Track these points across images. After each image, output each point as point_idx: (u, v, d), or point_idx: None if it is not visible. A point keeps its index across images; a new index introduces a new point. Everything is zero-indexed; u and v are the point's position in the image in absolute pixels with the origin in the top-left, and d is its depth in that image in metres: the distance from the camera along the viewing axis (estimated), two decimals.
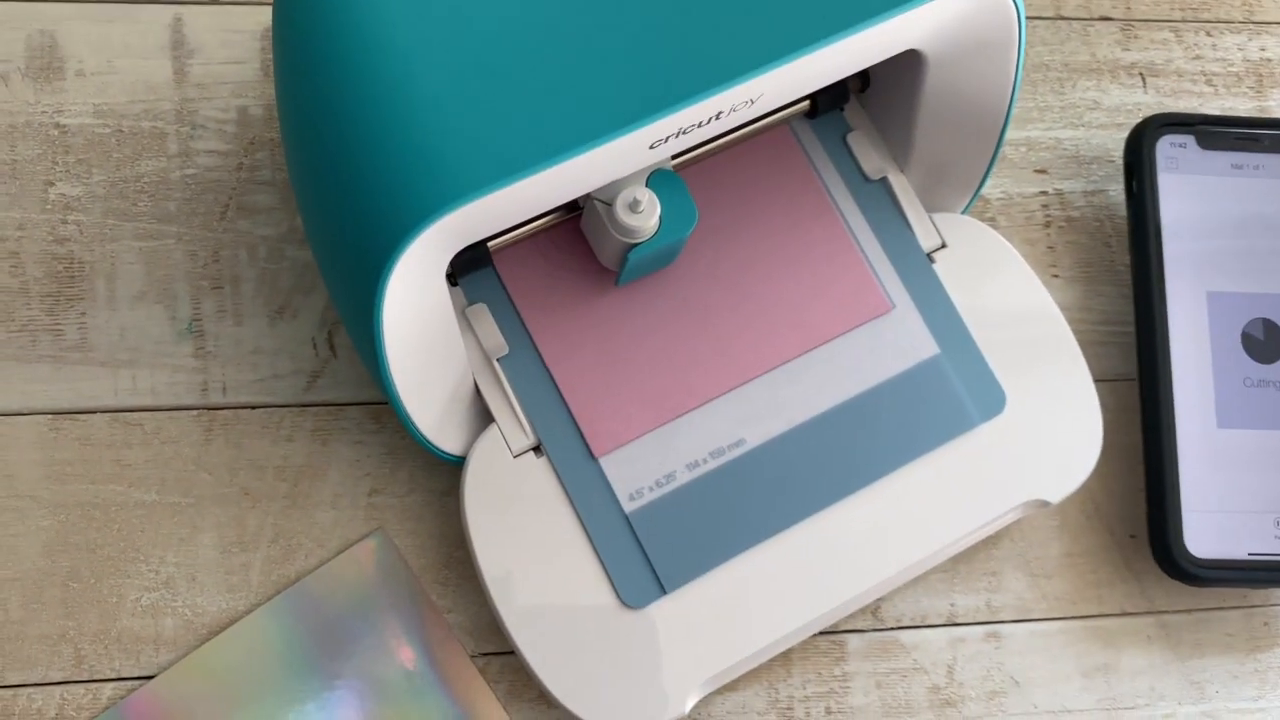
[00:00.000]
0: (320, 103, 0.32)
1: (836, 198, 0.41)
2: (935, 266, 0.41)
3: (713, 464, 0.39)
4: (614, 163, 0.33)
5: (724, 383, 0.39)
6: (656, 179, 0.37)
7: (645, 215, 0.37)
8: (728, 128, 0.35)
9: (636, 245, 0.37)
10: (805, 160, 0.42)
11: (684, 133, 0.34)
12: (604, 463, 0.38)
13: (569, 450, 0.38)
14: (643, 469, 0.38)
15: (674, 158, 0.40)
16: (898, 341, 0.40)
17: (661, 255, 0.39)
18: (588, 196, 0.38)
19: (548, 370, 0.39)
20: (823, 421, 0.39)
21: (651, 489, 0.38)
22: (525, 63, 0.32)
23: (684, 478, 0.38)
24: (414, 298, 0.33)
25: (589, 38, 0.32)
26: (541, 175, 0.31)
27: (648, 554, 0.38)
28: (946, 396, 0.40)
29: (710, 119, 0.34)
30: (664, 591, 0.37)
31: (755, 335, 0.40)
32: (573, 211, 0.40)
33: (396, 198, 0.31)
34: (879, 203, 0.42)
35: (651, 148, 0.34)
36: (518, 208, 0.33)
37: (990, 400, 0.40)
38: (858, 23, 0.33)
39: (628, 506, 0.38)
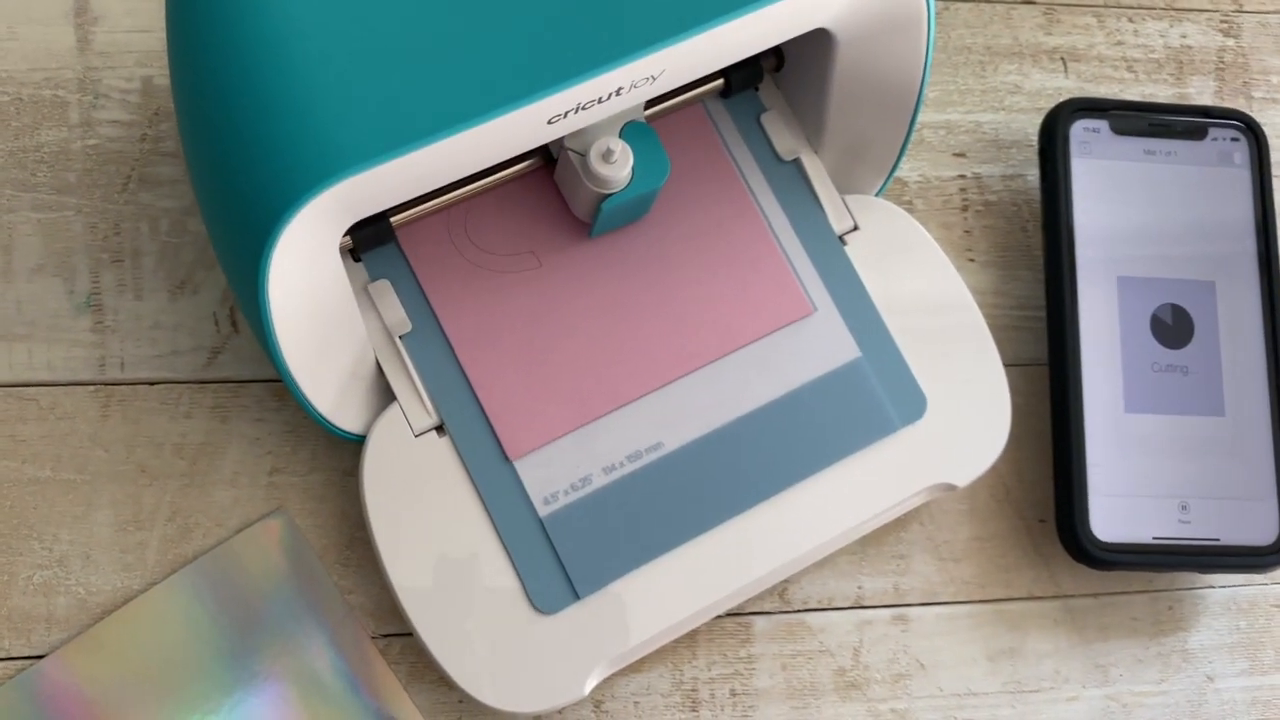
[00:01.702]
0: (206, 70, 0.32)
1: (749, 179, 0.41)
2: (846, 249, 0.41)
3: (629, 467, 0.38)
4: (509, 137, 0.33)
5: (643, 385, 0.39)
6: (630, 130, 0.37)
7: (618, 165, 0.37)
8: (631, 103, 0.35)
9: (610, 195, 0.37)
10: (719, 140, 0.41)
11: (583, 108, 0.33)
12: (519, 465, 0.38)
13: (482, 450, 0.38)
14: (558, 472, 0.38)
15: (645, 108, 0.39)
16: (819, 344, 0.40)
17: (634, 206, 0.38)
18: (561, 146, 0.38)
19: (452, 350, 0.38)
20: (742, 425, 0.39)
21: (567, 493, 0.38)
22: (416, 34, 0.31)
23: (600, 481, 0.38)
24: (303, 272, 0.33)
25: (485, 9, 0.32)
26: (432, 149, 0.31)
27: (561, 559, 0.37)
28: (867, 400, 0.39)
29: (610, 95, 0.33)
30: (577, 597, 0.37)
31: (676, 336, 0.39)
32: (488, 178, 0.39)
33: (279, 169, 0.30)
34: (792, 184, 0.41)
35: (550, 123, 0.33)
36: (410, 181, 0.32)
37: (911, 404, 0.40)
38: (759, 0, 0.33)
39: (542, 511, 0.37)
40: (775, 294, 0.40)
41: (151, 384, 0.40)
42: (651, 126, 0.38)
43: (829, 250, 0.41)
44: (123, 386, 0.40)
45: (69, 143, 0.41)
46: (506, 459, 0.38)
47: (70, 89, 0.42)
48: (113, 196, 0.41)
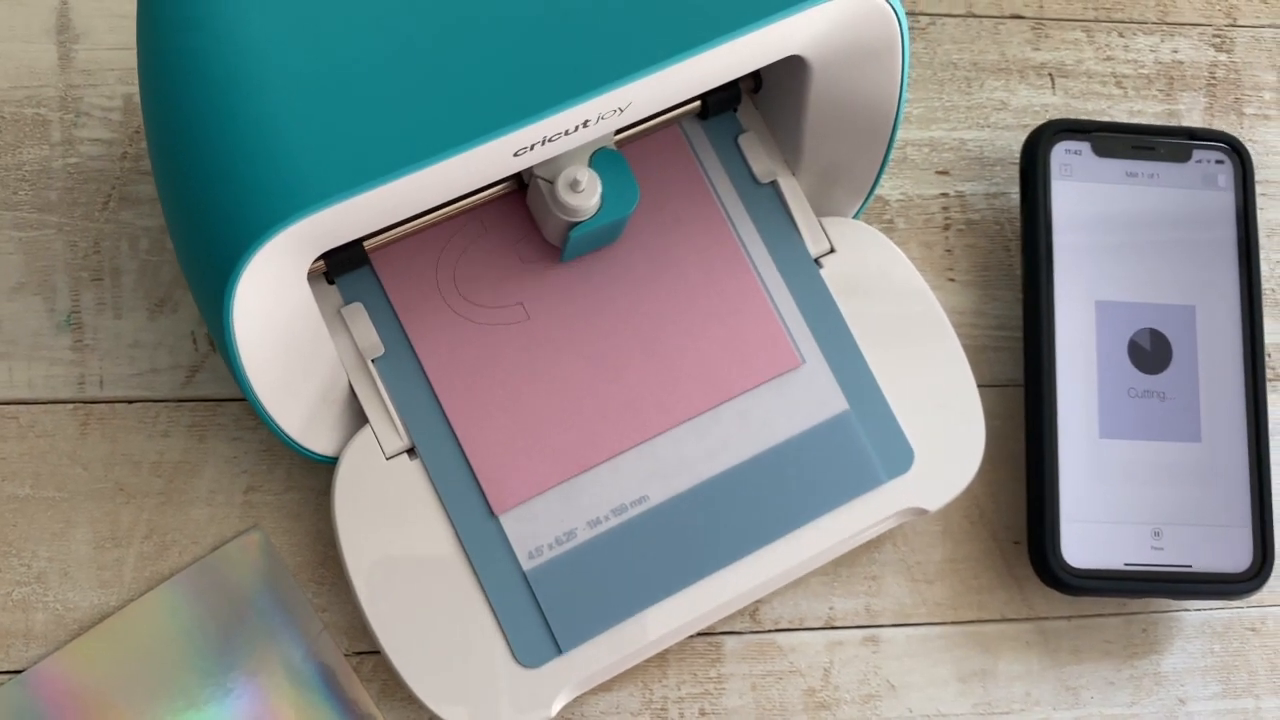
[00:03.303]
0: (171, 104, 0.32)
1: (726, 203, 0.41)
2: (822, 272, 0.41)
3: (615, 521, 0.38)
4: (475, 171, 0.33)
5: (629, 438, 0.39)
6: (599, 158, 0.37)
7: (586, 195, 0.37)
8: (600, 134, 0.35)
9: (578, 224, 0.37)
10: (695, 163, 0.41)
11: (550, 140, 0.33)
12: (504, 520, 0.38)
13: (466, 503, 0.38)
14: (543, 526, 0.38)
15: (617, 133, 0.39)
16: (806, 397, 0.40)
17: (602, 234, 0.38)
18: (530, 174, 0.38)
19: (425, 374, 0.39)
20: (728, 479, 0.39)
21: (551, 546, 0.38)
22: (380, 69, 0.31)
23: (585, 535, 0.38)
24: (269, 302, 0.33)
25: (451, 44, 0.32)
26: (397, 183, 0.31)
27: (544, 613, 0.37)
28: (854, 454, 0.39)
29: (577, 127, 0.33)
30: (559, 651, 0.37)
31: (662, 389, 0.39)
32: (463, 200, 0.39)
33: (242, 204, 0.31)
34: (769, 207, 0.41)
35: (516, 155, 0.33)
36: (376, 214, 0.33)
37: (897, 456, 0.40)
38: (727, 32, 0.33)
39: (526, 565, 0.38)
40: (763, 346, 0.40)
41: (130, 402, 0.40)
42: (621, 153, 0.38)
43: (813, 290, 0.40)
44: (101, 405, 0.40)
45: (50, 161, 0.42)
46: (491, 513, 0.38)
47: (52, 107, 0.42)
48: (93, 215, 0.41)
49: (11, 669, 0.38)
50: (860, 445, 0.39)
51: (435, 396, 0.38)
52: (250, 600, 0.39)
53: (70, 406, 0.40)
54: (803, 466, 0.39)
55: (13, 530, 0.39)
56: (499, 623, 0.37)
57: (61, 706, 0.37)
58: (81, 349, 0.40)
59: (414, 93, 0.31)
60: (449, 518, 0.38)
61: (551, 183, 0.37)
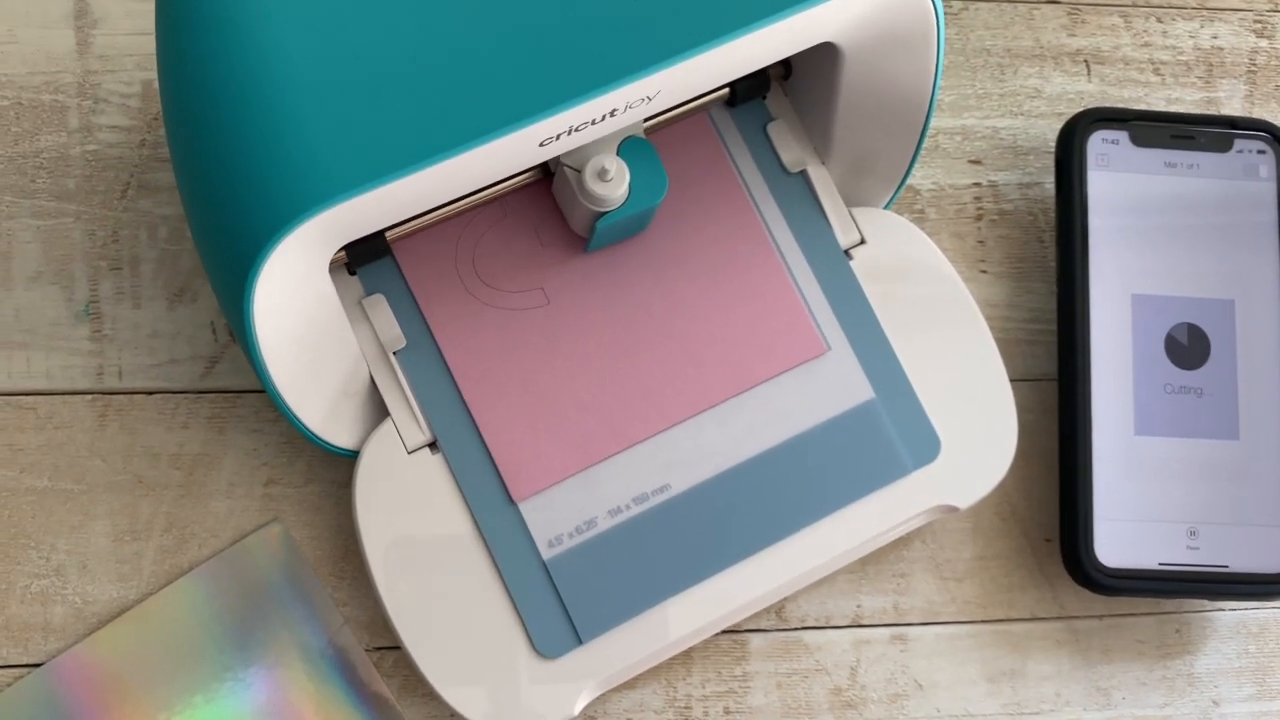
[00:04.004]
0: (195, 96, 0.31)
1: (754, 192, 0.40)
2: (852, 263, 0.40)
3: (636, 510, 0.37)
4: (500, 161, 0.32)
5: (651, 426, 0.38)
6: (628, 146, 0.37)
7: (614, 184, 0.36)
8: (626, 124, 0.34)
9: (605, 214, 0.36)
10: (724, 151, 0.41)
11: (576, 130, 0.33)
12: (523, 508, 0.37)
13: (486, 490, 0.37)
14: (563, 514, 0.37)
15: (646, 120, 0.38)
16: (831, 385, 0.39)
17: (630, 224, 0.38)
18: (557, 162, 0.37)
19: (448, 367, 0.38)
20: (750, 468, 0.38)
21: (571, 535, 0.37)
22: (403, 58, 0.31)
23: (605, 524, 0.37)
24: (290, 295, 0.32)
25: (475, 32, 0.31)
26: (420, 175, 0.30)
27: (565, 603, 0.37)
28: (880, 443, 0.38)
29: (604, 116, 0.33)
30: (579, 642, 0.37)
31: (684, 376, 0.38)
32: (486, 191, 0.39)
33: (262, 197, 0.30)
34: (798, 197, 0.40)
35: (542, 145, 0.33)
36: (399, 206, 0.32)
37: (924, 445, 0.39)
38: (759, 19, 0.32)
39: (546, 554, 0.37)
40: (788, 332, 0.39)
41: (149, 394, 0.40)
42: (650, 142, 0.37)
43: (841, 278, 0.40)
44: (120, 396, 0.40)
45: (68, 148, 0.41)
46: (511, 501, 0.37)
47: (70, 93, 0.41)
48: (112, 203, 0.41)
49: (30, 662, 0.38)
50: (886, 434, 0.39)
51: (457, 389, 0.38)
52: (271, 594, 0.38)
53: (89, 398, 0.40)
54: (827, 455, 0.38)
55: (31, 522, 0.39)
56: (518, 612, 0.37)
57: (83, 697, 0.37)
58: (100, 339, 0.40)
59: (437, 83, 0.31)
60: (469, 509, 0.37)
61: (579, 171, 0.36)
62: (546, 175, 0.39)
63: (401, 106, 0.30)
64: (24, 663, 0.38)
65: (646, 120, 0.39)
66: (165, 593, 0.38)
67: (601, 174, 0.36)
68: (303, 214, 0.30)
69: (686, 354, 0.38)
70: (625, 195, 0.36)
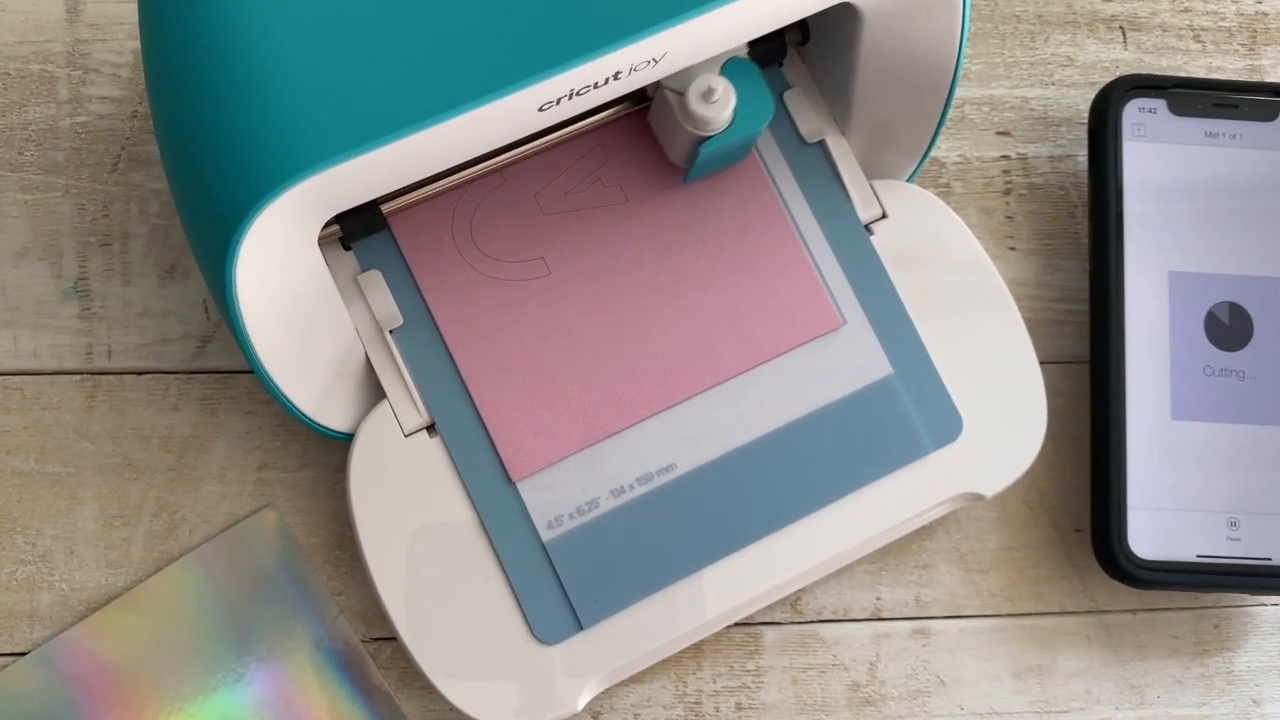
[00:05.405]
0: (174, 58, 0.30)
1: (770, 164, 0.38)
2: (873, 239, 0.38)
3: (640, 490, 0.36)
4: (497, 126, 0.31)
5: (656, 402, 0.36)
6: (732, 67, 0.35)
7: (720, 106, 0.34)
8: (634, 87, 0.32)
9: (708, 139, 0.35)
10: None
11: (578, 94, 0.31)
12: (522, 487, 0.36)
13: (482, 468, 0.36)
14: (563, 494, 0.35)
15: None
16: (847, 360, 0.37)
17: (734, 150, 0.36)
18: (658, 86, 0.35)
19: (447, 347, 0.36)
20: (761, 447, 0.36)
21: (572, 516, 0.35)
22: (394, 20, 0.29)
23: (607, 505, 0.36)
24: (276, 268, 0.31)
25: None
26: (409, 140, 0.29)
27: (564, 586, 0.35)
28: (898, 421, 0.37)
29: (607, 79, 0.31)
30: (580, 627, 0.35)
31: (692, 350, 0.37)
32: (490, 161, 0.37)
33: (244, 163, 0.29)
34: (816, 169, 0.39)
35: (541, 110, 0.31)
36: (389, 174, 0.30)
37: (945, 424, 0.37)
38: None
39: (545, 535, 0.35)
40: (801, 306, 0.37)
41: (139, 374, 0.38)
42: (755, 64, 0.36)
43: (860, 252, 0.38)
44: (109, 376, 0.38)
45: (57, 120, 0.40)
46: (509, 480, 0.36)
47: (59, 63, 0.40)
48: (102, 176, 0.40)
49: (16, 651, 0.37)
50: (905, 411, 0.37)
51: (456, 369, 0.36)
52: (266, 582, 0.37)
53: (77, 378, 0.38)
54: (842, 433, 0.36)
55: (16, 506, 0.38)
56: (516, 597, 0.35)
57: (75, 684, 0.36)
58: (89, 317, 0.39)
59: (426, 45, 0.29)
60: (468, 493, 0.35)
61: (681, 94, 0.34)
62: (639, 102, 0.37)
63: (389, 70, 0.29)
64: (9, 651, 0.37)
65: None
66: (156, 579, 0.37)
67: (707, 95, 0.34)
68: (285, 181, 0.28)
69: (694, 327, 0.37)
70: (730, 119, 0.35)
